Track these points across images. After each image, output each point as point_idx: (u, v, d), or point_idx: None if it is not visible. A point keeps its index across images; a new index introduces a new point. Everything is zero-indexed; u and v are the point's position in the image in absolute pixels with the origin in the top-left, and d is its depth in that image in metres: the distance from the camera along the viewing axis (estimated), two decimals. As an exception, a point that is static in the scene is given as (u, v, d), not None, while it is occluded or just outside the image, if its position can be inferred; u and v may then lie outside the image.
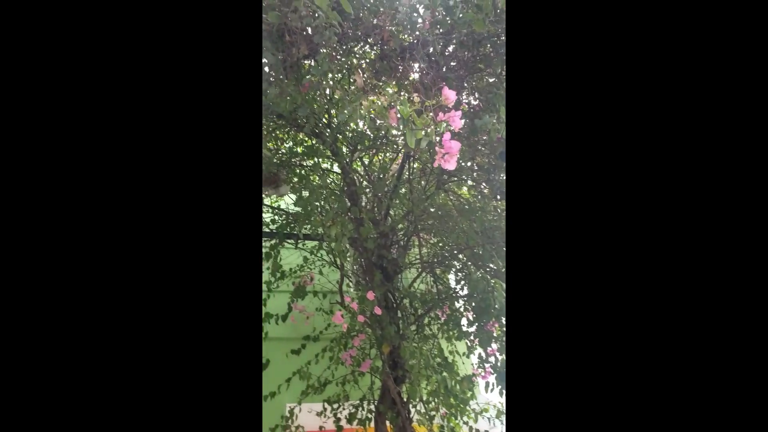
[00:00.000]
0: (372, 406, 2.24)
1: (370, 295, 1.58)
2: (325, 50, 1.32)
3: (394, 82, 1.87)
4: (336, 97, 2.00)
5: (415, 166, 2.45)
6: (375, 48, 1.72)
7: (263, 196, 2.66)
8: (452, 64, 1.74)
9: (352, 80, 2.12)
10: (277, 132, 2.50)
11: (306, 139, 2.52)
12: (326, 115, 2.27)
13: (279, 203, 3.04)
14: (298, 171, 2.46)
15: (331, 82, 2.12)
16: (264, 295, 2.98)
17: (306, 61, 1.86)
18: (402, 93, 1.71)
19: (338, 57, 1.72)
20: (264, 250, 2.39)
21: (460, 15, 1.39)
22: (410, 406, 2.05)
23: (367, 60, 1.89)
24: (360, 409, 2.28)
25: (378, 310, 1.64)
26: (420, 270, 2.61)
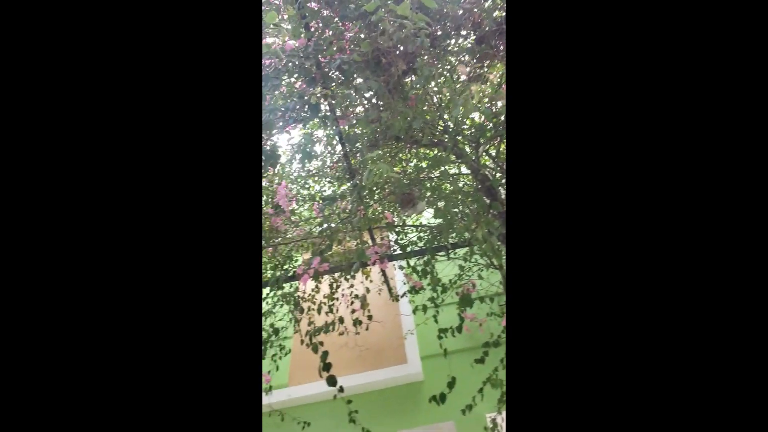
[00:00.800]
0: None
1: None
2: (421, 58, 1.32)
3: (498, 63, 1.77)
4: (446, 95, 1.97)
5: (547, 140, 2.25)
6: (469, 35, 1.66)
7: (404, 218, 2.75)
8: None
9: (455, 78, 2.08)
10: (400, 155, 2.58)
11: (427, 151, 2.54)
12: (440, 122, 2.26)
13: (419, 220, 3.10)
14: (428, 184, 2.48)
15: (435, 88, 2.11)
16: (432, 312, 3.01)
17: (407, 79, 1.89)
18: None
19: (436, 60, 1.70)
20: (419, 268, 2.44)
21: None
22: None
23: (465, 52, 1.83)
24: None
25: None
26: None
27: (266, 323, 2.63)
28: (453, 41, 1.91)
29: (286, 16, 1.57)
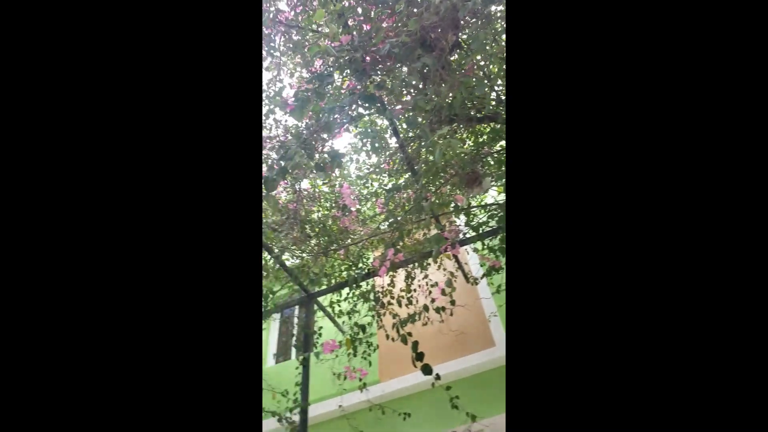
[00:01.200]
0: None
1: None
2: (470, 27, 1.27)
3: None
4: (495, 67, 1.89)
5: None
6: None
7: (469, 198, 2.68)
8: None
9: (502, 45, 1.99)
10: (457, 135, 2.52)
11: (483, 127, 2.46)
12: (492, 94, 2.18)
13: (484, 200, 3.01)
14: (490, 160, 2.40)
15: (482, 62, 2.04)
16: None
17: (452, 58, 1.83)
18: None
19: (484, 28, 1.64)
20: (496, 247, 2.37)
21: None
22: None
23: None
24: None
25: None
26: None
27: (351, 322, 2.69)
28: (495, 7, 1.83)
29: (327, 18, 1.59)
